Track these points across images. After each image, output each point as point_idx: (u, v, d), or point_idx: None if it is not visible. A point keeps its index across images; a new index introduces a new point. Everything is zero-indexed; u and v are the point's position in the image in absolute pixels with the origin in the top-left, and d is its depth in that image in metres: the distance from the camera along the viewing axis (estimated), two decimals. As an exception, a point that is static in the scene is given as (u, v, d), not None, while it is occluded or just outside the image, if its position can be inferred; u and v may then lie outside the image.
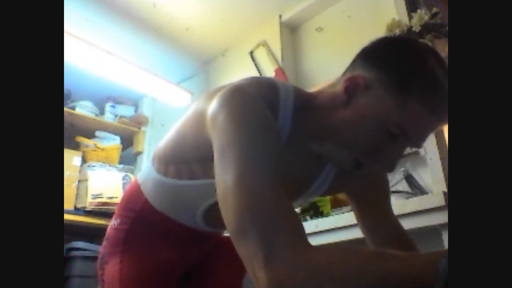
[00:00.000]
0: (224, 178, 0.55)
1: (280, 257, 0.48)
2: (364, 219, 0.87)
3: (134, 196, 0.87)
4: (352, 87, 0.65)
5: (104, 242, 0.89)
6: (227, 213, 0.54)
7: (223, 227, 0.65)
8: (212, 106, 0.63)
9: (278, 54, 2.29)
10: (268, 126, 0.60)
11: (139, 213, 0.85)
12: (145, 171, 0.87)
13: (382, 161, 0.66)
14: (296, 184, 0.80)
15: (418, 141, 0.66)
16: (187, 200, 0.80)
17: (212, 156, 0.59)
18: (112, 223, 0.90)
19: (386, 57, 0.65)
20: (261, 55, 2.40)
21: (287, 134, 0.69)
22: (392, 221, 0.86)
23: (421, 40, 1.49)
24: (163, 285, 0.86)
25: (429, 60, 0.65)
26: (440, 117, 0.64)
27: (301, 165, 0.77)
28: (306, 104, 0.71)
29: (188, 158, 0.75)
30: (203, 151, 0.64)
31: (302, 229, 0.53)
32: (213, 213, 0.73)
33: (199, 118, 0.68)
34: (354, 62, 0.69)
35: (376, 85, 0.64)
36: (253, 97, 0.61)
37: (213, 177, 0.58)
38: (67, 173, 2.11)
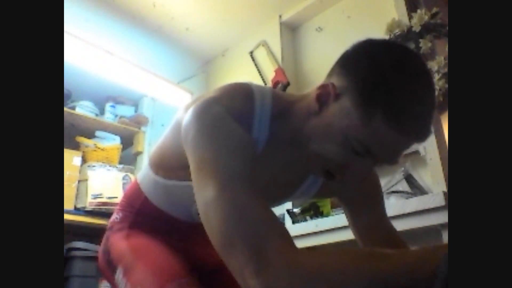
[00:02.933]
0: (203, 194, 0.56)
1: (273, 265, 0.48)
2: (356, 224, 0.86)
3: (134, 194, 0.91)
4: (323, 95, 0.64)
5: (107, 233, 0.91)
6: (211, 227, 0.54)
7: None
8: (184, 121, 0.64)
9: (278, 54, 2.29)
10: (237, 138, 0.60)
11: (139, 209, 0.89)
12: (143, 170, 0.91)
13: (348, 176, 0.64)
14: (281, 187, 0.81)
15: (385, 159, 0.62)
16: (180, 198, 0.82)
17: None
18: (113, 218, 0.92)
19: (358, 64, 0.62)
20: (261, 55, 2.40)
21: (265, 142, 0.69)
22: (384, 225, 0.85)
23: (420, 40, 1.49)
24: (172, 250, 0.84)
25: (405, 72, 0.59)
26: (409, 135, 0.59)
27: (285, 169, 0.76)
28: (284, 111, 0.69)
29: (172, 165, 0.78)
30: (184, 160, 0.64)
31: (288, 234, 0.53)
32: None
33: (177, 130, 0.71)
34: (333, 67, 0.67)
35: (345, 95, 0.61)
36: (221, 113, 0.61)
37: None
38: (67, 173, 2.11)
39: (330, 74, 0.67)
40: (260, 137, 0.68)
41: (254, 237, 0.50)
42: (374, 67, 0.59)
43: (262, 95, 0.69)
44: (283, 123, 0.69)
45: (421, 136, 0.60)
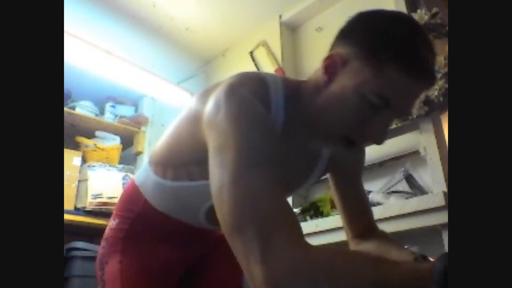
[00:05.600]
0: (220, 176, 0.55)
1: (278, 253, 0.48)
2: (338, 187, 0.93)
3: (133, 197, 0.87)
4: (330, 65, 0.66)
5: (103, 243, 0.88)
6: (222, 209, 0.53)
7: None
8: (208, 108, 0.63)
9: (278, 54, 2.29)
10: (264, 124, 0.60)
11: (139, 213, 0.86)
12: (143, 173, 0.87)
13: (370, 135, 0.66)
14: (297, 175, 0.82)
15: (401, 109, 0.65)
16: (188, 201, 0.80)
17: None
18: (110, 224, 0.89)
19: (359, 30, 0.65)
20: (261, 55, 2.40)
21: (282, 125, 0.69)
22: (361, 191, 0.93)
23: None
24: (164, 283, 0.86)
25: (403, 27, 0.64)
26: (419, 79, 0.62)
27: (299, 155, 0.78)
28: (295, 93, 0.71)
29: (185, 160, 0.75)
30: (200, 153, 0.63)
31: (300, 228, 0.53)
32: (215, 212, 0.73)
33: (194, 120, 0.68)
34: (333, 43, 0.70)
35: (353, 60, 0.64)
36: (248, 97, 0.61)
37: None
38: (67, 173, 2.11)
39: (331, 50, 0.69)
40: (278, 121, 0.69)
41: (265, 225, 0.49)
42: (375, 26, 0.64)
43: (274, 80, 0.69)
44: (296, 105, 0.70)
45: (430, 81, 0.63)
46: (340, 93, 0.65)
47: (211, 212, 0.79)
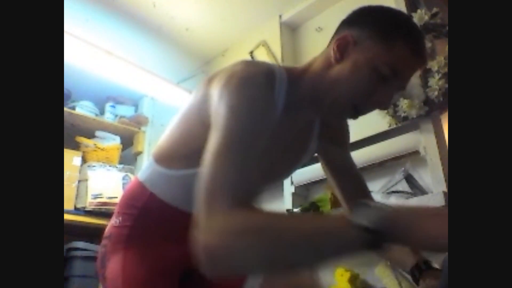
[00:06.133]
0: (213, 141, 0.61)
1: (214, 221, 0.53)
2: (330, 164, 0.99)
3: (136, 193, 0.88)
4: (343, 44, 0.75)
5: (105, 241, 0.88)
6: (213, 146, 0.61)
7: None
8: (218, 87, 0.69)
9: (278, 54, 2.29)
10: (266, 108, 0.67)
11: (142, 209, 0.86)
12: (147, 169, 0.88)
13: (377, 101, 0.76)
14: (292, 155, 0.90)
15: (405, 80, 0.76)
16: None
17: None
18: (112, 222, 0.89)
19: (370, 16, 0.78)
20: (261, 55, 2.40)
21: (282, 106, 0.76)
22: (353, 164, 1.00)
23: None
24: (166, 281, 0.86)
25: (403, 15, 0.82)
26: (418, 56, 0.75)
27: (295, 135, 0.85)
28: (299, 76, 0.80)
29: (194, 147, 0.76)
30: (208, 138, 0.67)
31: (251, 194, 0.58)
32: None
33: (203, 103, 0.73)
34: (336, 32, 0.80)
35: (364, 39, 0.74)
36: (257, 78, 0.68)
37: None
38: (67, 173, 2.11)
39: (335, 36, 0.79)
40: (279, 102, 0.75)
41: (212, 195, 0.55)
42: (383, 13, 0.78)
43: (277, 66, 0.77)
44: (299, 86, 0.79)
45: (425, 59, 0.77)
46: (353, 66, 0.74)
47: None
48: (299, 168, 0.98)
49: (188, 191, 0.80)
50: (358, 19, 0.79)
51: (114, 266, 0.83)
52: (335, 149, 0.99)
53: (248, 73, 0.68)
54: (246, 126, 0.62)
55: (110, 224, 0.90)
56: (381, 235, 0.48)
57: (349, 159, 1.01)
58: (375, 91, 0.74)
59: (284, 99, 0.76)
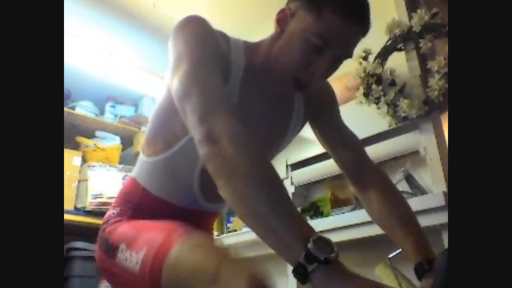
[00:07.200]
0: (177, 78, 0.70)
1: (217, 116, 0.62)
2: (324, 134, 0.98)
3: (131, 189, 0.89)
4: (283, 18, 0.78)
5: (103, 226, 0.87)
6: (177, 93, 0.69)
7: (220, 199, 0.68)
8: (171, 35, 0.81)
9: (278, 54, 2.29)
10: (212, 40, 0.77)
11: (138, 203, 0.87)
12: (137, 165, 0.91)
13: (314, 72, 0.76)
14: (272, 126, 0.90)
15: (340, 48, 0.75)
16: (180, 169, 0.83)
17: None
18: (109, 213, 0.89)
19: None
20: (261, 55, 2.40)
21: (242, 71, 0.81)
22: (346, 129, 0.99)
23: (420, 40, 1.49)
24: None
25: None
26: (352, 20, 0.72)
27: (268, 107, 0.86)
28: (254, 46, 0.85)
29: (173, 121, 0.80)
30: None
31: (229, 106, 0.66)
32: (207, 181, 0.70)
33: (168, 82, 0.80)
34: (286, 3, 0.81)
35: (299, 11, 0.75)
36: (206, 23, 0.79)
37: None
38: (67, 173, 2.11)
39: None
40: (237, 63, 0.81)
41: (208, 94, 0.65)
42: None
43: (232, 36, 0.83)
44: (254, 53, 0.83)
45: (362, 23, 0.75)
46: (289, 40, 0.76)
47: (205, 180, 0.80)
48: (284, 146, 0.97)
49: (171, 176, 0.85)
50: None
51: (117, 227, 0.82)
52: (324, 119, 0.98)
53: (196, 25, 0.79)
54: (199, 53, 0.71)
55: (108, 214, 0.89)
56: (309, 277, 0.51)
57: (340, 124, 0.99)
58: (311, 63, 0.75)
59: (244, 62, 0.81)
